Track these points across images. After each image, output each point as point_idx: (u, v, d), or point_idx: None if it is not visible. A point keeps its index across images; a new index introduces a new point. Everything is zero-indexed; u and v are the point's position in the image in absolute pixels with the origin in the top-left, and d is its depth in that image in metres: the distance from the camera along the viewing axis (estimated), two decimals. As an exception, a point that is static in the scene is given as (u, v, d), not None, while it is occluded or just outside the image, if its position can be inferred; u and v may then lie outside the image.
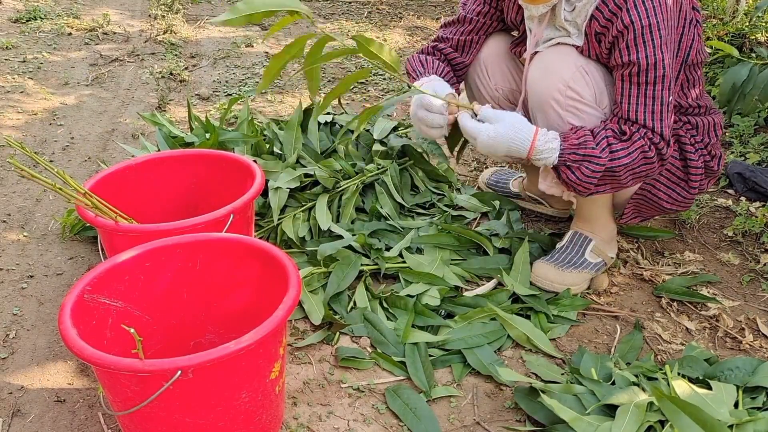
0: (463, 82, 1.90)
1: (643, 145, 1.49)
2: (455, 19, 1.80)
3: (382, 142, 2.16)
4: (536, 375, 1.47)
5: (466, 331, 1.56)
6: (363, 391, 1.43)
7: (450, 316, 1.63)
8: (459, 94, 1.82)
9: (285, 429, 1.33)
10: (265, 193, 1.86)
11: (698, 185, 1.67)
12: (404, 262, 1.78)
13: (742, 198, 2.16)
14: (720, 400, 1.23)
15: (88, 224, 1.80)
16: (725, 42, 2.93)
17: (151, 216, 1.69)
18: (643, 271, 1.83)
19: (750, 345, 1.58)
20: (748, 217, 2.03)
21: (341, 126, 2.22)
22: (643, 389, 1.29)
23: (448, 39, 1.80)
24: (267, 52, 3.61)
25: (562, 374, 1.45)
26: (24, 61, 3.31)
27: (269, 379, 1.18)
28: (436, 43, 1.81)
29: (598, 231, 1.76)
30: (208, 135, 2.04)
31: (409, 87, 1.61)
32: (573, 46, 1.56)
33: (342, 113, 2.35)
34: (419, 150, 2.11)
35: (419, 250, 1.84)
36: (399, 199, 1.99)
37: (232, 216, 1.45)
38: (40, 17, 4.00)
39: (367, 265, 1.75)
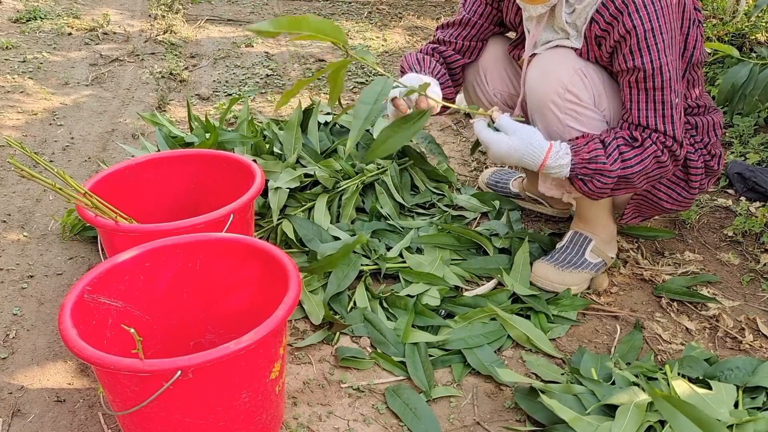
0: (461, 88, 1.89)
1: (656, 151, 1.49)
2: (455, 21, 1.78)
3: (382, 142, 2.16)
4: (536, 375, 1.47)
5: (466, 331, 1.56)
6: (363, 391, 1.43)
7: (450, 316, 1.63)
8: (454, 102, 1.80)
9: (285, 429, 1.33)
10: (265, 193, 1.86)
11: (698, 185, 1.67)
12: (404, 262, 1.78)
13: (742, 198, 2.16)
14: (720, 400, 1.23)
15: (88, 224, 1.80)
16: (725, 42, 2.94)
17: (151, 216, 1.69)
18: (643, 271, 1.83)
19: (750, 345, 1.58)
20: (748, 217, 2.03)
21: (341, 126, 2.22)
22: (643, 389, 1.29)
23: (449, 42, 1.79)
24: (267, 52, 3.61)
25: (562, 374, 1.45)
26: (24, 61, 3.31)
27: (269, 379, 1.18)
28: (436, 45, 1.80)
29: (598, 231, 1.76)
30: (208, 135, 2.04)
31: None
32: (571, 48, 1.56)
33: (342, 113, 2.35)
34: (419, 150, 2.11)
35: (419, 250, 1.84)
36: (399, 199, 1.99)
37: (232, 216, 1.45)
38: (40, 17, 4.00)
39: (367, 265, 1.75)
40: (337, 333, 1.56)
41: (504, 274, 1.73)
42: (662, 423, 1.19)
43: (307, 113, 2.14)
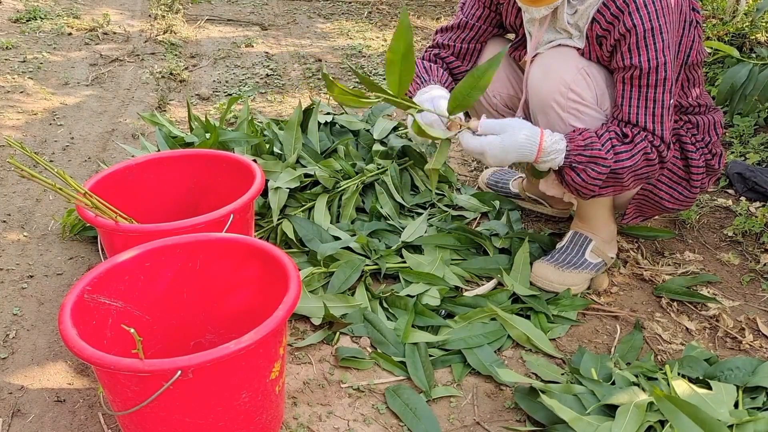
0: None
1: (645, 147, 1.48)
2: (454, 24, 1.78)
3: (382, 142, 2.16)
4: (536, 375, 1.47)
5: (466, 331, 1.56)
6: (363, 391, 1.43)
7: (450, 316, 1.63)
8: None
9: (285, 429, 1.33)
10: (265, 193, 1.86)
11: (700, 184, 1.67)
12: (404, 262, 1.78)
13: (742, 198, 2.16)
14: (720, 400, 1.23)
15: (88, 224, 1.80)
16: (725, 42, 2.94)
17: (151, 216, 1.69)
18: (643, 271, 1.83)
19: (750, 345, 1.58)
20: (748, 217, 2.03)
21: (341, 126, 2.22)
22: (643, 389, 1.29)
23: (448, 46, 1.78)
24: (267, 53, 3.61)
25: (562, 374, 1.45)
26: (24, 61, 3.31)
27: (269, 379, 1.18)
28: (437, 51, 1.80)
29: (599, 231, 1.76)
30: (208, 135, 2.04)
31: (410, 101, 1.49)
32: (574, 47, 1.56)
33: (342, 113, 2.35)
34: (419, 150, 2.11)
35: (419, 250, 1.84)
36: (399, 199, 1.99)
37: (232, 216, 1.45)
38: (40, 17, 4.00)
39: (368, 265, 1.75)
40: (337, 333, 1.56)
41: (504, 274, 1.73)
42: (662, 423, 1.19)
43: (307, 113, 2.14)
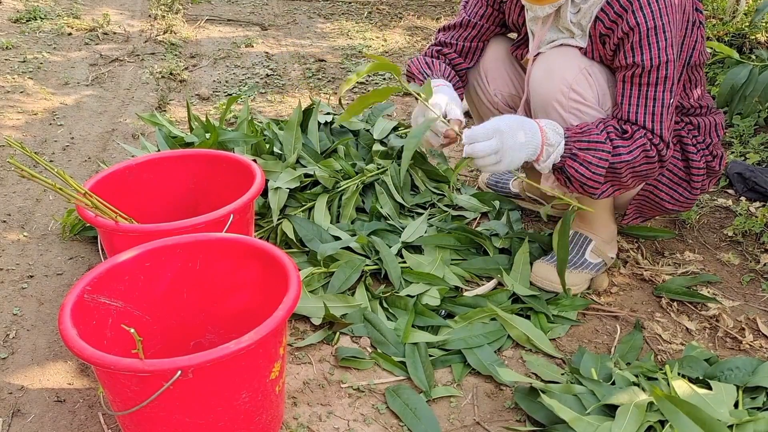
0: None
1: (644, 144, 1.48)
2: (456, 23, 1.78)
3: (382, 142, 2.16)
4: (536, 375, 1.47)
5: (466, 331, 1.56)
6: (363, 391, 1.43)
7: (450, 316, 1.63)
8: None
9: (285, 429, 1.33)
10: (265, 193, 1.86)
11: (700, 185, 1.67)
12: (404, 262, 1.78)
13: (742, 198, 2.16)
14: (720, 400, 1.23)
15: (88, 224, 1.80)
16: (725, 42, 2.94)
17: (151, 216, 1.69)
18: (643, 271, 1.83)
19: (750, 345, 1.58)
20: (748, 217, 2.03)
21: (341, 126, 2.22)
22: (643, 389, 1.29)
23: (451, 44, 1.78)
24: (267, 53, 3.61)
25: (562, 374, 1.45)
26: (24, 61, 3.31)
27: (269, 379, 1.18)
28: (440, 48, 1.80)
29: (599, 231, 1.76)
30: (208, 135, 2.04)
31: (418, 96, 1.49)
32: (576, 47, 1.56)
33: (342, 113, 2.35)
34: (419, 150, 2.11)
35: (419, 250, 1.84)
36: (399, 199, 1.99)
37: (232, 216, 1.45)
38: (40, 17, 4.00)
39: (368, 265, 1.75)
40: (337, 333, 1.56)
41: (504, 274, 1.73)
42: (662, 423, 1.19)
43: (307, 113, 2.14)
